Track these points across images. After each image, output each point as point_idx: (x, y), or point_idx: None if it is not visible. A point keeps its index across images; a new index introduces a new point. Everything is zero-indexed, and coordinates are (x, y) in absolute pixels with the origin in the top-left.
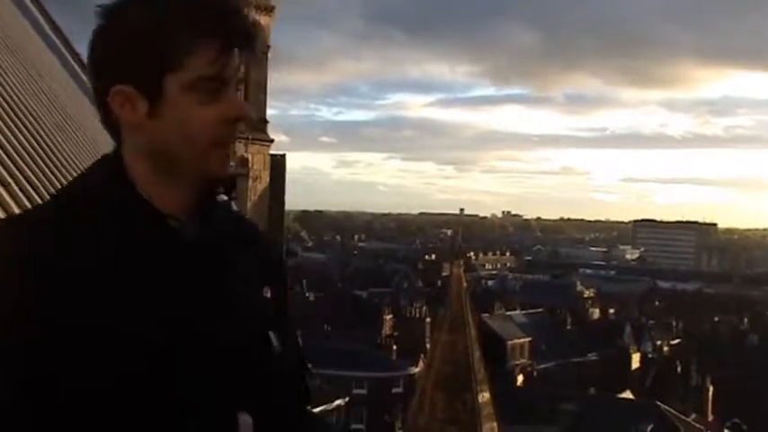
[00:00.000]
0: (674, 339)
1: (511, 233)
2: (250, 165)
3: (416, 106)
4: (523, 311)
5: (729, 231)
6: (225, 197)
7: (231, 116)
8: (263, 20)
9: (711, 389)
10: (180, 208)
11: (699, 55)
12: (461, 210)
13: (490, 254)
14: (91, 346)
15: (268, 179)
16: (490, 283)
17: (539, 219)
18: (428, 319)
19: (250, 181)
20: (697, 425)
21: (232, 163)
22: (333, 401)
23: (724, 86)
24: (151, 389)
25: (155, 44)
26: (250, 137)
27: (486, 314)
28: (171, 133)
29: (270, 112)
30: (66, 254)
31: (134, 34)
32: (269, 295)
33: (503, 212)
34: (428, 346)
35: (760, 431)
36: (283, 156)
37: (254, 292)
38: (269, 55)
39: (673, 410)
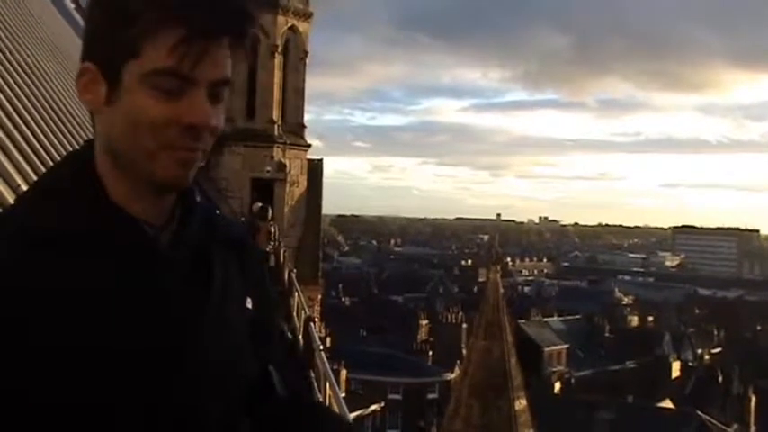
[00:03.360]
0: (714, 348)
1: (548, 239)
2: (288, 170)
3: (449, 111)
4: (560, 318)
5: None
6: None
7: (185, 121)
8: (301, 26)
9: (754, 398)
10: (151, 213)
11: (731, 58)
12: (498, 215)
13: (527, 260)
14: (64, 362)
15: (305, 184)
16: (527, 289)
17: (576, 224)
18: (464, 325)
19: (288, 186)
20: None
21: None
22: (368, 406)
23: (759, 90)
24: (124, 404)
25: (117, 24)
26: (288, 142)
27: (523, 320)
28: (119, 125)
29: (305, 117)
30: (33, 272)
31: (105, 10)
32: (251, 306)
33: (540, 218)
34: (464, 351)
35: None
36: (320, 160)
37: (235, 305)
38: (306, 61)
39: (713, 420)
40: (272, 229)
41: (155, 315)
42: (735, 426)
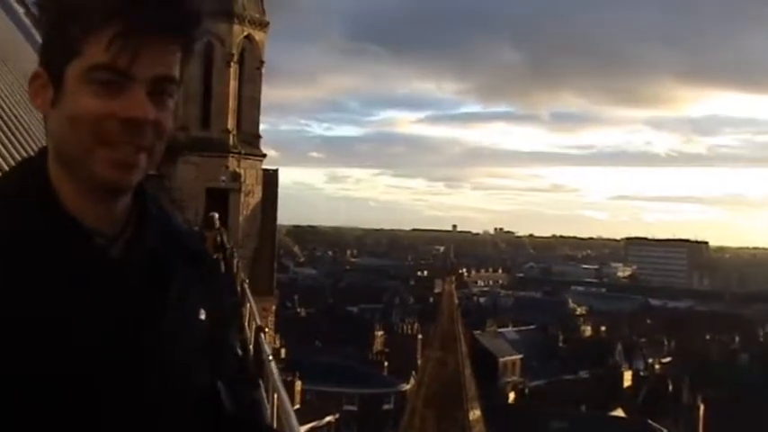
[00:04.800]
0: (665, 357)
1: (503, 250)
2: (242, 179)
3: (405, 123)
4: (515, 328)
5: (721, 249)
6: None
7: (122, 115)
8: (257, 35)
9: (702, 407)
10: (105, 221)
11: (680, 74)
12: (454, 226)
13: (483, 271)
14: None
15: (260, 194)
16: (482, 299)
17: (531, 236)
18: (420, 336)
19: (242, 196)
20: None
21: (224, 177)
22: (323, 417)
23: (707, 106)
24: (74, 413)
25: (61, 24)
26: (243, 152)
27: (478, 331)
28: (62, 125)
29: (261, 127)
30: None
31: (49, 12)
32: (203, 317)
33: (495, 229)
34: (419, 362)
35: None
36: (276, 171)
37: (190, 316)
38: (262, 70)
39: (664, 429)
40: (220, 238)
41: (104, 324)
42: None
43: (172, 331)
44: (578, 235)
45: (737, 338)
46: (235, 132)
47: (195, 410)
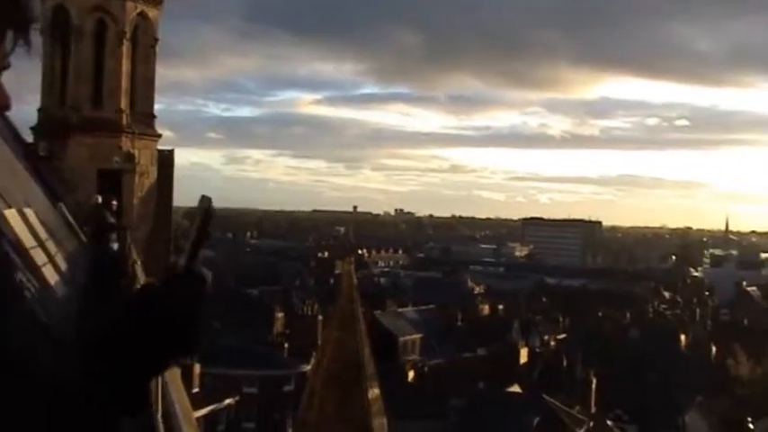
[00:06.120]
0: (560, 334)
1: (404, 231)
2: (137, 160)
3: (304, 104)
4: (415, 308)
5: (613, 229)
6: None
7: None
8: (151, 12)
9: (595, 381)
10: None
11: (575, 59)
12: (354, 207)
13: (383, 251)
14: None
15: (155, 175)
16: (383, 280)
17: (431, 216)
18: (320, 317)
19: (137, 177)
20: (580, 416)
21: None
22: (223, 400)
23: (600, 89)
24: None
25: None
26: (136, 132)
27: (379, 311)
28: None
29: (156, 107)
30: None
31: None
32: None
33: (395, 210)
34: (319, 343)
35: (640, 422)
36: (171, 151)
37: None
38: (156, 49)
39: (558, 403)
40: (103, 217)
41: None
42: (577, 408)
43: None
44: (477, 215)
45: (628, 315)
46: (128, 112)
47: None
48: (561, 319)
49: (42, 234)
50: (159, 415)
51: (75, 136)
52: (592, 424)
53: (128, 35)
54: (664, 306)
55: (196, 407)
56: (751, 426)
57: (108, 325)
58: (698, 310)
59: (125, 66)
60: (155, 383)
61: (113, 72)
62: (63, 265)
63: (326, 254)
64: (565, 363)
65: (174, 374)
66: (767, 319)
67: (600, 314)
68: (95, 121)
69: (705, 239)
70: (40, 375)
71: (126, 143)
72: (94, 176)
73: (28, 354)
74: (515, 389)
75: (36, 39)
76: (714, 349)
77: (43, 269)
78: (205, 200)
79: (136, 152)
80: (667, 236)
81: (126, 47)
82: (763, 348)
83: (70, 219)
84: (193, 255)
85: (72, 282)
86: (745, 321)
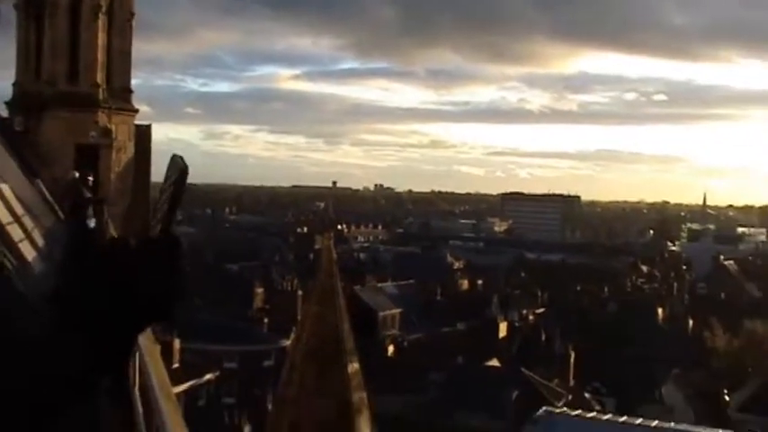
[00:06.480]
0: (539, 309)
1: (383, 206)
2: (114, 135)
3: (283, 79)
4: (394, 283)
5: (592, 204)
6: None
7: None
8: None
9: (573, 355)
10: None
11: (553, 33)
12: (334, 183)
13: (363, 226)
14: None
15: (133, 150)
16: (362, 255)
17: (410, 191)
18: (300, 292)
19: (114, 152)
20: (559, 389)
21: (93, 133)
22: (203, 376)
23: (578, 64)
24: None
25: None
26: (113, 106)
27: (358, 286)
28: None
29: (132, 81)
30: None
31: None
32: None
33: (375, 185)
34: (299, 318)
35: (618, 394)
36: (149, 126)
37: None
38: (133, 23)
39: (536, 377)
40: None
41: None
42: (556, 380)
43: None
44: (456, 191)
45: (607, 289)
46: (105, 87)
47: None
48: (540, 293)
49: (19, 210)
50: (136, 389)
51: (51, 110)
52: (570, 397)
53: (103, 9)
54: (642, 280)
55: (176, 382)
56: (727, 397)
57: (85, 279)
58: (675, 284)
59: (101, 39)
60: (132, 358)
61: (89, 46)
62: (40, 241)
63: (306, 229)
64: (543, 337)
65: (152, 349)
66: (743, 292)
67: (578, 288)
68: (71, 95)
69: (683, 214)
70: (19, 337)
71: (103, 118)
72: (71, 151)
73: (4, 316)
74: (494, 363)
75: (10, 13)
76: (691, 322)
77: (20, 245)
78: (177, 159)
79: (113, 127)
80: (645, 210)
81: (102, 21)
82: (739, 321)
83: (47, 194)
84: (169, 218)
85: (49, 257)
86: (722, 295)
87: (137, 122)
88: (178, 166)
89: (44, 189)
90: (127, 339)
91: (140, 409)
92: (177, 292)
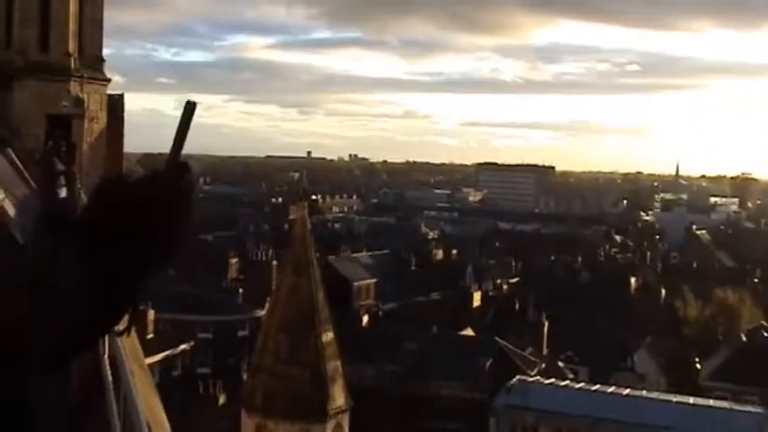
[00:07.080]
0: (513, 278)
1: (358, 176)
2: (86, 105)
3: (256, 48)
4: (369, 253)
5: (566, 174)
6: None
7: None
8: None
9: (546, 324)
10: None
11: (525, 3)
12: (308, 153)
13: (337, 197)
14: None
15: (105, 120)
16: (337, 225)
17: (385, 162)
18: (274, 263)
19: (86, 122)
20: (533, 358)
21: (65, 103)
22: (178, 346)
23: (551, 34)
24: None
25: None
26: (85, 75)
27: (333, 256)
28: None
29: (104, 51)
30: None
31: None
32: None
33: (350, 155)
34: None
35: (591, 362)
36: (121, 95)
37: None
38: None
39: (510, 346)
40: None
41: None
42: (530, 349)
43: None
44: (431, 161)
45: (580, 259)
46: (76, 56)
47: None
48: (514, 263)
49: None
50: (106, 357)
51: (22, 80)
52: (543, 365)
53: None
54: (615, 250)
55: (151, 353)
56: (698, 365)
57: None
58: (648, 253)
59: (72, 8)
60: None
61: (60, 14)
62: (11, 212)
63: (280, 199)
64: (517, 306)
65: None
66: (715, 261)
67: (552, 258)
68: (42, 64)
69: (656, 184)
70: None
71: (74, 87)
72: (43, 121)
73: None
74: (469, 332)
75: None
76: (663, 291)
77: None
78: (190, 103)
79: (85, 96)
80: (619, 180)
81: None
82: (710, 290)
83: (18, 164)
84: (177, 150)
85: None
86: (694, 264)
87: (109, 92)
88: (189, 107)
89: (15, 158)
90: (137, 271)
91: (110, 378)
92: (185, 222)
